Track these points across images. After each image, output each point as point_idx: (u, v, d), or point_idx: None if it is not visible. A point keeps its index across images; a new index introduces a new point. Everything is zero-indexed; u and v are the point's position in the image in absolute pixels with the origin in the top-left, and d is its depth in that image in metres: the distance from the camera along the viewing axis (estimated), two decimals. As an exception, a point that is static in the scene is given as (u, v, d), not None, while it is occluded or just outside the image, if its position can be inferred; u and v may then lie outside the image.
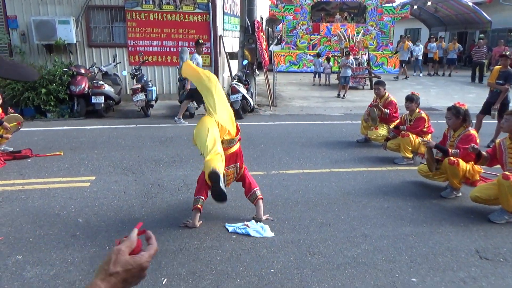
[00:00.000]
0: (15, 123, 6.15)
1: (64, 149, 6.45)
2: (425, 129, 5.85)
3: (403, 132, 5.97)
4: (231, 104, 9.13)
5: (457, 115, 4.64)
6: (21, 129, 6.50)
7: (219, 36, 11.04)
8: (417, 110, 5.99)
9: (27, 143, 6.72)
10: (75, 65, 9.61)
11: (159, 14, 10.46)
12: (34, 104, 8.81)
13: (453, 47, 17.35)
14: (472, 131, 4.64)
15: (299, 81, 15.80)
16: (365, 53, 14.40)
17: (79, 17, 10.08)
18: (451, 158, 4.43)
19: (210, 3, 10.53)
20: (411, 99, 5.97)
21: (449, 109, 4.75)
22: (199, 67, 4.75)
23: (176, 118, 8.61)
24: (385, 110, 6.52)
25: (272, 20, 23.96)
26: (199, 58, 8.47)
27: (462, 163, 4.42)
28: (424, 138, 5.71)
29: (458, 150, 4.48)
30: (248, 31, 10.16)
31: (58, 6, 10.04)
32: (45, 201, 4.42)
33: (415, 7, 21.84)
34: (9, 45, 10.02)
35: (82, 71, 9.24)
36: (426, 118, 5.86)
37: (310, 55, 17.97)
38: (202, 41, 8.87)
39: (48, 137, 7.30)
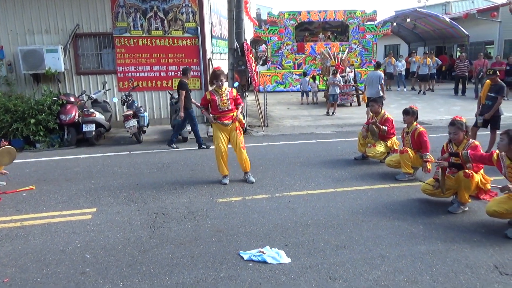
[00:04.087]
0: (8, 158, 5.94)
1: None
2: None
3: (401, 148, 6.06)
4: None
5: (462, 128, 4.68)
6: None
7: (208, 59, 11.09)
8: (414, 123, 6.08)
9: (19, 176, 6.52)
10: (65, 94, 9.47)
11: (148, 39, 10.47)
12: (23, 135, 8.60)
13: (430, 62, 17.43)
14: (476, 142, 4.68)
15: (287, 101, 15.93)
16: (351, 71, 14.65)
17: (67, 45, 10.00)
18: (467, 171, 4.47)
19: (199, 27, 10.61)
20: (408, 112, 6.09)
21: (452, 124, 4.76)
22: None
23: None
24: (383, 127, 6.60)
25: (255, 41, 24.27)
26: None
27: (475, 175, 4.47)
28: (423, 155, 5.75)
29: (470, 164, 4.51)
30: (237, 53, 10.23)
31: (46, 35, 9.95)
32: (47, 237, 4.24)
33: (394, 24, 22.47)
34: (-5, 76, 9.83)
35: (72, 99, 9.10)
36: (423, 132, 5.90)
37: (296, 74, 18.21)
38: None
39: (40, 168, 7.10)
